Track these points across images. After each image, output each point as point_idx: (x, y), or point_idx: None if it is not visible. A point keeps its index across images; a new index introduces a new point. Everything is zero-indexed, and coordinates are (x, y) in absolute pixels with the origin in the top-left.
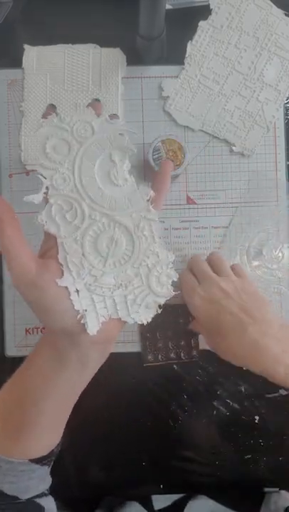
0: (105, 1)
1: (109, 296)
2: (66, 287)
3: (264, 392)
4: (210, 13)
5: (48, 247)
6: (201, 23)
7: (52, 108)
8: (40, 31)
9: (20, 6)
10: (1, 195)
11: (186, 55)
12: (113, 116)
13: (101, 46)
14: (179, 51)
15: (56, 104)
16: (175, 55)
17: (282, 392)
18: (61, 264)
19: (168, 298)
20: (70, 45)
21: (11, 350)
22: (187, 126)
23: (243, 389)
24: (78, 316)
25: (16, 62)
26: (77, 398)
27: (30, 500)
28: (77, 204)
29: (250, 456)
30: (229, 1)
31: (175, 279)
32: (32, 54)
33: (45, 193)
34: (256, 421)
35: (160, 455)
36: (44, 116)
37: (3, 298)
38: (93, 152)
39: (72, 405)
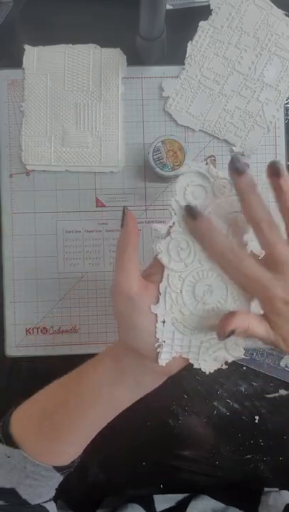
0: (105, 1)
1: (188, 337)
2: (156, 314)
3: (264, 392)
4: (210, 14)
5: (153, 272)
6: (202, 24)
7: (214, 158)
8: (40, 31)
9: (20, 6)
10: (132, 213)
11: (187, 56)
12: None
13: (101, 46)
14: (179, 51)
15: (56, 104)
16: (175, 56)
17: (282, 392)
18: (160, 293)
19: (236, 359)
20: (70, 45)
21: (11, 350)
22: (187, 127)
23: (243, 389)
24: (156, 344)
25: (16, 62)
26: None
27: (38, 504)
28: (193, 245)
29: (249, 456)
30: (229, 1)
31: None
32: (32, 54)
33: (170, 226)
34: (256, 421)
35: (160, 455)
36: (207, 160)
37: (3, 298)
38: (222, 210)
39: (106, 422)
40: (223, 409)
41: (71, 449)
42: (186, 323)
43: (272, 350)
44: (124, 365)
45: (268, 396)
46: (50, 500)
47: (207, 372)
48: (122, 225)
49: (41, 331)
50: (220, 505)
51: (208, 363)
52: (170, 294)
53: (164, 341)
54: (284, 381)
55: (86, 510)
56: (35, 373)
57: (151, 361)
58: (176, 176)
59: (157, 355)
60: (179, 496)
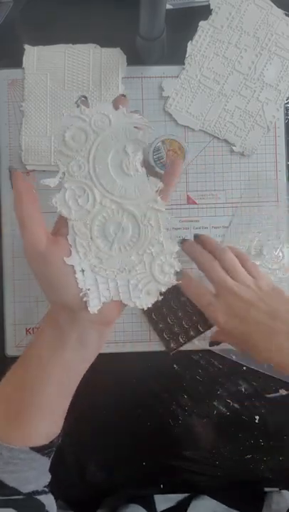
0: (105, 1)
1: (113, 279)
2: (72, 266)
3: (264, 392)
4: (210, 13)
5: (59, 226)
6: (202, 23)
7: (84, 98)
8: (40, 31)
9: (20, 6)
10: (18, 171)
11: (187, 55)
12: (134, 111)
13: (101, 46)
14: (180, 51)
15: (56, 104)
16: (175, 55)
17: (282, 392)
18: (70, 245)
19: (169, 286)
20: (70, 45)
21: (11, 350)
22: (187, 126)
23: (243, 389)
24: (81, 294)
25: (16, 62)
26: (77, 385)
27: (31, 497)
28: (90, 190)
29: (250, 456)
30: (229, 1)
31: (178, 269)
32: (32, 54)
33: (60, 178)
34: (256, 421)
35: (160, 455)
36: (77, 102)
37: (3, 298)
38: (108, 143)
39: (71, 392)
40: (223, 409)
41: (42, 428)
42: (106, 266)
43: None
44: (61, 325)
45: (268, 396)
46: (45, 492)
47: (145, 308)
48: (11, 186)
49: None
50: (221, 506)
51: (142, 299)
52: (80, 242)
53: (89, 289)
54: (284, 381)
55: (86, 510)
56: None
57: (84, 313)
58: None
59: (85, 306)
60: (180, 496)
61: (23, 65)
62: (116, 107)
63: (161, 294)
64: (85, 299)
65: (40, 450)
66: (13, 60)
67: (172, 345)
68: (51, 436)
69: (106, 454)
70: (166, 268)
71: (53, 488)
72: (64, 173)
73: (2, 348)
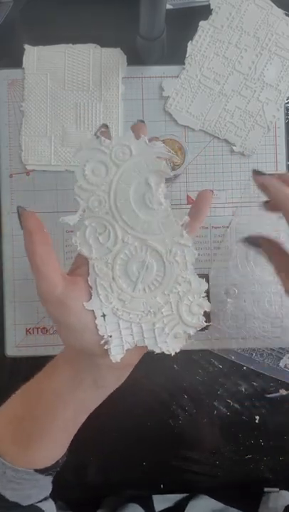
0: (106, 1)
1: (137, 323)
2: (92, 311)
3: (264, 392)
4: (210, 13)
5: (79, 265)
6: (202, 23)
7: (105, 128)
8: (40, 31)
9: (20, 6)
10: (32, 212)
11: (187, 55)
12: (153, 138)
13: (101, 46)
14: (180, 51)
15: (56, 104)
16: (175, 55)
17: (282, 392)
18: (90, 287)
19: (199, 329)
20: (70, 45)
21: (11, 350)
22: (188, 126)
23: (243, 389)
24: (102, 342)
25: (16, 62)
26: (88, 415)
27: (31, 505)
28: (111, 227)
29: (250, 456)
30: (230, 0)
31: (207, 310)
32: (32, 54)
33: (80, 215)
34: (256, 421)
35: (160, 455)
36: (96, 133)
37: (3, 298)
38: (130, 175)
39: (81, 422)
40: (224, 410)
41: (49, 453)
42: (129, 309)
43: (272, 351)
44: (79, 367)
45: (269, 396)
46: (46, 499)
47: (172, 354)
48: (22, 228)
49: (41, 331)
50: (219, 505)
51: (169, 344)
52: (102, 284)
53: (110, 336)
54: (284, 381)
55: (86, 510)
56: (35, 373)
57: (102, 359)
58: (177, 176)
59: (106, 352)
60: (178, 496)
61: (23, 65)
62: (137, 136)
63: (190, 337)
64: (106, 347)
65: (44, 471)
66: (13, 60)
67: None
68: (56, 458)
69: (106, 454)
70: (194, 309)
71: (53, 488)
72: (84, 210)
73: (2, 348)
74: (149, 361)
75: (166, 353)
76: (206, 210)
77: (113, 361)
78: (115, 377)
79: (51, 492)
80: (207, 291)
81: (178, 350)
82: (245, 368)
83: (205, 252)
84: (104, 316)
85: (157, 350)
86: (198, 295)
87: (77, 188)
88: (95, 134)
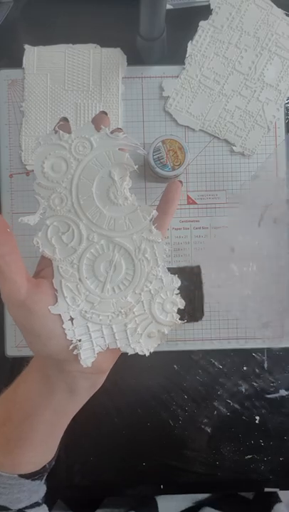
0: (105, 1)
1: (107, 325)
2: (59, 315)
3: (264, 392)
4: (210, 13)
5: (42, 267)
6: (202, 23)
7: (64, 121)
8: (40, 31)
9: (20, 6)
10: None
11: (187, 55)
12: (116, 130)
13: (101, 46)
14: (180, 51)
15: (56, 104)
16: (175, 55)
17: (282, 392)
18: (56, 290)
19: (173, 327)
20: (70, 45)
21: (11, 350)
22: (188, 126)
23: (243, 389)
24: (71, 347)
25: (16, 62)
26: (68, 422)
27: (20, 510)
28: (75, 225)
29: (250, 456)
30: (230, 1)
31: (181, 307)
32: (32, 54)
33: (41, 214)
34: (256, 421)
35: (160, 455)
36: (55, 128)
37: None
38: (92, 170)
39: (64, 426)
40: (224, 410)
41: (33, 458)
42: (99, 311)
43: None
44: (49, 373)
45: (268, 396)
46: (38, 504)
47: (147, 354)
48: None
49: None
50: None
51: (143, 344)
52: (67, 286)
53: (80, 340)
54: (284, 381)
55: (86, 510)
56: None
57: (73, 364)
58: (177, 176)
59: (75, 357)
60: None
61: (23, 65)
62: (97, 128)
63: (164, 335)
64: (75, 352)
65: (29, 477)
66: (13, 60)
67: None
68: (42, 463)
69: (106, 454)
70: (167, 306)
71: (53, 488)
72: (45, 209)
73: (2, 348)
74: (149, 361)
75: (140, 353)
76: (176, 202)
77: (84, 366)
78: (89, 382)
79: (51, 493)
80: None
81: (152, 350)
82: (245, 368)
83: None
84: (71, 319)
85: (130, 352)
86: (170, 292)
87: (37, 186)
88: (54, 129)
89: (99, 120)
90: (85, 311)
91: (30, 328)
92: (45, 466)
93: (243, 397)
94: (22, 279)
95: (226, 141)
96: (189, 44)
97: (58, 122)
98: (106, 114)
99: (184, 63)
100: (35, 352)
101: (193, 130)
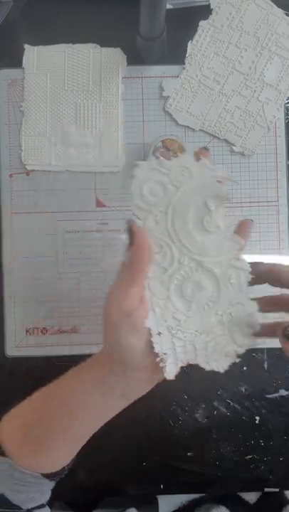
0: (105, 1)
1: (190, 342)
2: (149, 328)
3: (264, 392)
4: (210, 13)
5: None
6: (202, 23)
7: (165, 148)
8: (40, 31)
9: (20, 6)
10: (138, 227)
11: (187, 55)
12: (202, 149)
13: (101, 46)
14: (180, 51)
15: (56, 103)
16: (175, 55)
17: (282, 392)
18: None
19: (249, 348)
20: (70, 44)
21: (11, 350)
22: (188, 126)
23: (243, 389)
24: (158, 359)
25: (16, 62)
26: (102, 425)
27: (30, 510)
28: (168, 247)
29: (250, 456)
30: (230, 0)
31: (257, 330)
32: (32, 54)
33: None
34: (256, 421)
35: (160, 455)
36: (156, 154)
37: (3, 298)
38: (189, 197)
39: (94, 430)
40: (224, 410)
41: (59, 459)
42: (184, 328)
43: None
44: (114, 376)
45: (268, 396)
46: (43, 506)
47: (222, 371)
48: (130, 243)
49: (41, 331)
50: None
51: (220, 362)
52: (157, 302)
53: (165, 353)
54: (284, 381)
55: (86, 510)
56: (35, 373)
57: (138, 373)
58: None
59: (157, 369)
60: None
61: (23, 65)
62: (197, 158)
63: (238, 356)
64: (161, 365)
65: (50, 476)
66: (13, 60)
67: None
68: (63, 464)
69: (106, 454)
70: (245, 329)
71: (53, 488)
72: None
73: (2, 348)
74: None
75: (216, 370)
76: (247, 239)
77: (167, 378)
78: (142, 390)
79: (51, 493)
80: None
81: (227, 368)
82: (245, 368)
83: None
84: (159, 333)
85: (208, 368)
86: (249, 316)
87: (134, 207)
88: (154, 155)
89: (200, 153)
90: (172, 327)
91: (125, 336)
92: (64, 467)
93: (243, 397)
94: (140, 295)
95: (226, 141)
96: (189, 44)
97: (159, 149)
98: (208, 149)
99: (184, 63)
100: (119, 356)
101: (193, 130)
